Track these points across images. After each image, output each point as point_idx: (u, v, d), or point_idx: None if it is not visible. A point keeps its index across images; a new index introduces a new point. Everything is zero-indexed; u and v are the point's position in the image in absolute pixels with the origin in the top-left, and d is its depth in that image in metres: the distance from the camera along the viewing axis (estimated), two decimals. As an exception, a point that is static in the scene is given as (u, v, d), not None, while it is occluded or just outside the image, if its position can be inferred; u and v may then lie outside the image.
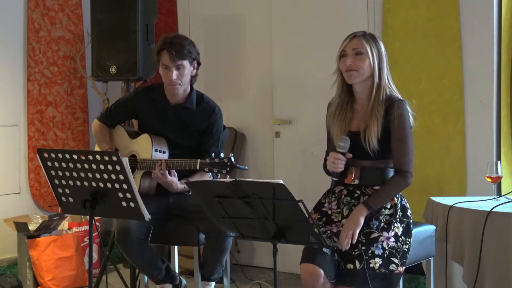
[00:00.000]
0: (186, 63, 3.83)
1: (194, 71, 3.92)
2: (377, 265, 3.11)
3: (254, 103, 5.48)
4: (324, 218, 3.29)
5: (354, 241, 3.13)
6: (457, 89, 4.52)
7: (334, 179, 3.32)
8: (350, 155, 3.25)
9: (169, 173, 3.72)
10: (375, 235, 3.16)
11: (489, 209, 3.56)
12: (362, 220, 3.16)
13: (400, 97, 3.31)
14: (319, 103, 4.99)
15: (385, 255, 3.14)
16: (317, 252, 3.14)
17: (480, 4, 4.44)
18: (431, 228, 3.59)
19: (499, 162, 3.90)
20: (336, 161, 3.22)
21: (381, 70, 3.29)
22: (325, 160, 3.37)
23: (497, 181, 3.94)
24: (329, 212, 3.31)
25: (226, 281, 4.02)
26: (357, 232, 3.14)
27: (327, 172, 3.36)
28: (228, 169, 3.55)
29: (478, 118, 4.47)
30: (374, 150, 3.24)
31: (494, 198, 3.90)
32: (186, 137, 3.93)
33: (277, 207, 2.77)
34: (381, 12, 4.81)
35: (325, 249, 3.14)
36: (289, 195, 2.72)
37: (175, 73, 3.81)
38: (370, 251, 3.12)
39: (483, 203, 3.77)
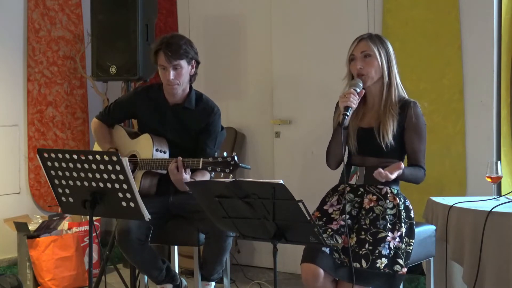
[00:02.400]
0: (183, 62, 3.83)
1: (193, 70, 3.91)
2: (383, 265, 3.13)
3: (254, 103, 5.48)
4: (325, 218, 3.30)
5: (392, 177, 3.15)
6: (457, 89, 4.52)
7: (345, 113, 3.20)
8: (363, 92, 3.28)
9: (185, 171, 3.71)
10: (383, 234, 3.18)
11: (489, 209, 3.56)
12: (396, 174, 3.17)
13: (411, 99, 3.38)
14: (319, 103, 5.01)
15: (391, 255, 3.15)
16: (317, 252, 3.15)
17: (480, 4, 4.44)
18: (431, 228, 3.59)
19: (499, 162, 3.90)
20: (348, 94, 3.23)
21: (390, 70, 3.35)
22: (328, 150, 3.39)
23: (497, 181, 3.93)
24: (330, 210, 3.32)
25: (226, 281, 4.02)
26: (394, 175, 3.15)
27: (328, 154, 3.38)
28: (231, 168, 3.56)
29: (478, 118, 4.46)
30: (388, 144, 3.28)
31: (494, 198, 3.89)
32: (185, 137, 3.93)
33: (277, 207, 2.77)
34: (381, 12, 4.81)
35: (324, 248, 3.15)
36: (289, 195, 2.72)
37: (172, 73, 3.81)
38: (377, 251, 3.14)
39: (483, 203, 3.77)
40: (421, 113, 3.36)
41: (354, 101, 3.23)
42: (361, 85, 3.29)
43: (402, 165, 3.19)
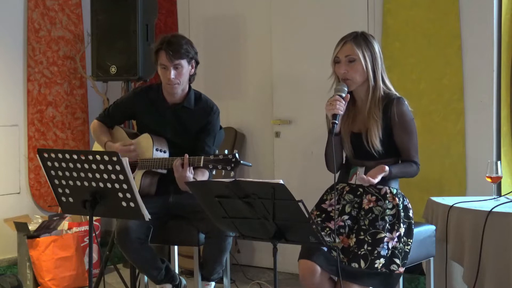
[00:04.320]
0: (184, 62, 3.84)
1: (193, 70, 3.92)
2: (381, 264, 3.13)
3: (254, 103, 5.48)
4: (324, 215, 3.30)
5: (374, 182, 3.14)
6: (457, 89, 4.52)
7: (334, 122, 3.19)
8: (348, 97, 3.25)
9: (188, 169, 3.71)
10: (381, 235, 3.18)
11: (489, 209, 3.56)
12: (380, 177, 3.17)
13: (397, 94, 3.33)
14: (319, 103, 4.98)
15: (388, 255, 3.16)
16: (314, 249, 3.16)
17: (480, 4, 4.44)
18: (431, 228, 3.59)
19: (499, 162, 3.90)
20: (334, 102, 3.20)
21: (375, 73, 3.30)
22: (326, 148, 3.38)
23: (497, 181, 3.94)
24: (329, 209, 3.32)
25: (226, 281, 4.02)
26: (378, 178, 3.15)
27: (327, 161, 3.36)
28: (232, 165, 3.56)
29: (478, 118, 4.46)
30: (378, 151, 3.27)
31: (494, 198, 3.90)
32: (184, 136, 3.93)
33: (277, 207, 2.77)
34: (381, 12, 4.81)
35: (322, 246, 3.16)
36: (289, 195, 2.72)
37: (173, 72, 3.82)
38: (376, 252, 3.14)
39: (483, 203, 3.77)
40: (407, 108, 3.29)
41: (341, 108, 3.20)
42: (346, 89, 3.26)
43: (386, 168, 3.18)
